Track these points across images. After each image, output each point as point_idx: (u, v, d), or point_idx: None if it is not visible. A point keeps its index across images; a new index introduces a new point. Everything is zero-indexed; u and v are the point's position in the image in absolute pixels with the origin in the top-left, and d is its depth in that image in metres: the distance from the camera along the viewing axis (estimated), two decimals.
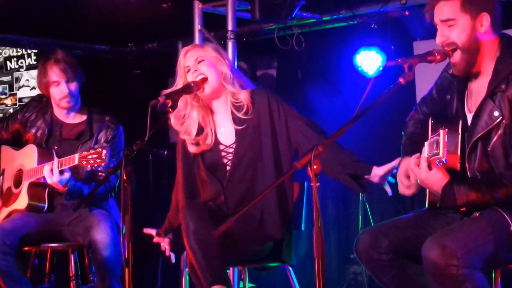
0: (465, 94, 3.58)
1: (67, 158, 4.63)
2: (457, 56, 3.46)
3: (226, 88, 4.12)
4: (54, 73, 4.89)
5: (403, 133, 3.88)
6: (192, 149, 4.21)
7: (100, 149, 4.49)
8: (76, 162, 4.55)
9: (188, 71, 4.12)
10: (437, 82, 3.77)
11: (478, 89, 3.52)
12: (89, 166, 4.53)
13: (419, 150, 3.54)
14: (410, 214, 3.73)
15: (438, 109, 3.73)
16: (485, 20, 3.42)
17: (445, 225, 3.54)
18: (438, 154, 3.26)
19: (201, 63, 4.10)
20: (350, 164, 4.00)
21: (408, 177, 3.60)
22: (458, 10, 3.42)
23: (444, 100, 3.67)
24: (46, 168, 4.68)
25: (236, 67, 4.27)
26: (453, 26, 3.44)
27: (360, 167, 3.97)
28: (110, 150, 4.56)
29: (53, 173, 4.64)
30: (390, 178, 3.96)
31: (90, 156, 4.49)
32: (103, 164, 4.49)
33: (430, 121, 3.61)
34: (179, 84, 4.12)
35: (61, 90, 4.91)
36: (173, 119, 4.18)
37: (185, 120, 4.19)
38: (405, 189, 3.63)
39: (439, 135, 3.27)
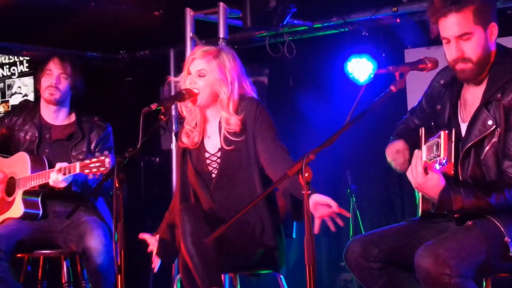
0: (458, 103, 3.58)
1: (68, 167, 4.60)
2: (469, 65, 3.44)
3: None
4: (53, 63, 5.00)
5: (391, 137, 3.87)
6: (183, 139, 4.19)
7: (103, 158, 4.43)
8: (78, 170, 4.52)
9: (189, 74, 4.11)
10: (426, 92, 3.77)
11: (472, 98, 3.51)
12: (91, 174, 4.48)
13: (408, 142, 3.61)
14: (402, 223, 3.73)
15: (428, 119, 3.72)
16: (494, 29, 3.42)
17: (437, 234, 3.54)
18: (438, 155, 3.24)
19: (201, 78, 4.06)
20: (294, 187, 3.88)
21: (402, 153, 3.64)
22: (471, 22, 3.37)
23: (434, 110, 3.67)
24: (52, 178, 4.63)
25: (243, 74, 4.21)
26: (468, 40, 3.40)
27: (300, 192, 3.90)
28: (113, 157, 4.47)
29: (60, 182, 4.61)
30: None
31: (92, 165, 4.44)
32: (106, 173, 4.44)
33: (421, 130, 3.60)
34: (182, 79, 4.13)
35: (50, 80, 4.97)
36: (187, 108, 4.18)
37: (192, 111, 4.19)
38: (398, 165, 3.64)
39: (439, 137, 3.25)
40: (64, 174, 4.59)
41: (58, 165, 4.63)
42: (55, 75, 4.98)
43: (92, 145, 5.00)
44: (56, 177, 4.60)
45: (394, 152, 3.68)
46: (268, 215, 4.07)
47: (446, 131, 3.26)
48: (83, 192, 4.80)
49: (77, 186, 4.76)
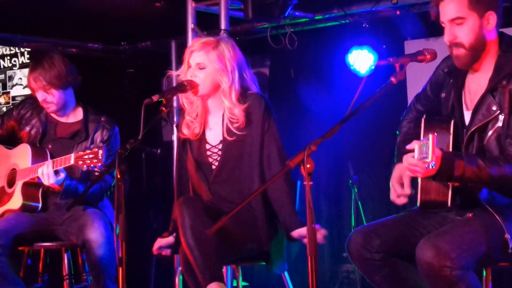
0: (462, 91, 3.60)
1: (63, 158, 4.60)
2: (461, 51, 3.47)
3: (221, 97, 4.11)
4: (30, 83, 4.92)
5: (397, 132, 3.89)
6: (184, 130, 4.20)
7: (96, 149, 4.44)
8: (72, 162, 4.51)
9: (189, 67, 4.12)
10: (431, 79, 3.78)
11: (477, 86, 3.53)
12: (85, 166, 4.49)
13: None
14: (402, 213, 3.74)
15: (432, 106, 3.74)
16: (492, 18, 3.45)
17: (436, 224, 3.57)
18: (426, 158, 3.24)
19: (201, 70, 4.07)
20: (284, 213, 4.07)
21: (401, 184, 3.62)
22: (466, 7, 3.42)
23: (439, 98, 3.69)
24: (40, 170, 4.65)
25: (245, 65, 4.22)
26: (461, 25, 3.44)
27: (288, 221, 4.04)
28: (106, 150, 4.50)
29: (48, 175, 4.62)
30: None
31: (86, 156, 4.45)
32: (99, 164, 4.46)
33: (422, 120, 3.62)
34: (182, 72, 4.15)
35: (39, 97, 4.92)
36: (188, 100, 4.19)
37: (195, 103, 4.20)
38: (396, 198, 3.66)
39: (428, 139, 3.21)
40: (58, 166, 4.59)
41: (50, 161, 4.65)
42: (40, 92, 4.88)
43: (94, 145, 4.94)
44: (44, 169, 4.60)
45: (396, 176, 3.67)
46: (263, 210, 4.07)
47: (435, 134, 3.22)
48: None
49: (66, 195, 4.72)
